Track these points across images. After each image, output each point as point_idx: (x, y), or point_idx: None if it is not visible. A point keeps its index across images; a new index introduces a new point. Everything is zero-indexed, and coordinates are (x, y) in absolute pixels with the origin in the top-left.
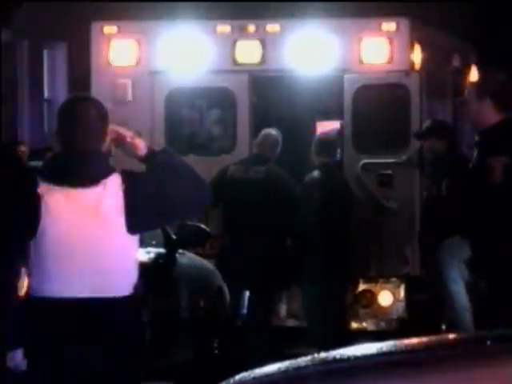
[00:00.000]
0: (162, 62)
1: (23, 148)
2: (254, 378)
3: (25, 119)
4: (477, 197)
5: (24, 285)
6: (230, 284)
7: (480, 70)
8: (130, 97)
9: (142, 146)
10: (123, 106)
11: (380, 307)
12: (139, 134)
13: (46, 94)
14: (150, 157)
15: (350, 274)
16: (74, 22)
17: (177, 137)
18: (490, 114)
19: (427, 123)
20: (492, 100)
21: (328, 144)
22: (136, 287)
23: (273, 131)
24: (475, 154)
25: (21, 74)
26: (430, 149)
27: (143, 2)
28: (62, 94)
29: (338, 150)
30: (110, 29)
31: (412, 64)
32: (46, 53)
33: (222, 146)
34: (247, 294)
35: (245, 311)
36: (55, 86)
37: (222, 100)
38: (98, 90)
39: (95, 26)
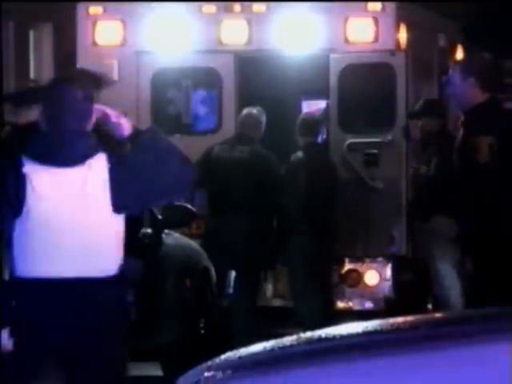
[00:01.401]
0: (147, 42)
1: (8, 128)
2: (239, 358)
3: None
4: (463, 176)
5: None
6: (216, 264)
7: (466, 49)
8: (115, 77)
9: (127, 126)
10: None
11: (366, 286)
12: (125, 114)
13: (31, 75)
14: (136, 137)
15: (335, 254)
16: (60, 2)
17: (163, 117)
18: (474, 94)
19: (420, 102)
20: (476, 79)
21: (311, 124)
22: (122, 267)
23: (254, 110)
24: (461, 133)
25: (7, 55)
26: (423, 128)
27: None
28: (48, 75)
29: (323, 130)
30: (95, 9)
31: (398, 43)
32: (31, 33)
33: (207, 126)
34: (233, 273)
35: (231, 291)
36: (41, 67)
37: (207, 80)
38: None
39: (81, 7)
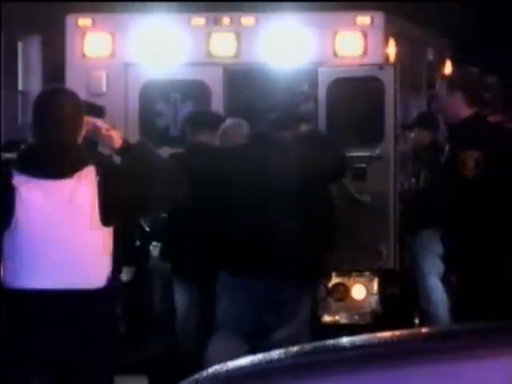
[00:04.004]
0: (136, 54)
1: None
2: (226, 371)
3: None
4: (449, 190)
5: None
6: None
7: (455, 64)
8: (104, 89)
9: (117, 138)
10: (98, 97)
11: (353, 300)
12: (113, 126)
13: (20, 87)
14: (126, 149)
15: (322, 267)
16: (49, 14)
17: (151, 129)
18: (460, 108)
19: (414, 114)
20: (463, 94)
21: None
22: (110, 280)
23: (236, 120)
24: (447, 148)
25: None
26: (415, 139)
27: None
28: (36, 87)
29: None
30: (84, 21)
31: (386, 57)
32: (20, 45)
33: None
34: None
35: None
36: (30, 79)
37: (196, 93)
38: (73, 82)
39: (70, 19)
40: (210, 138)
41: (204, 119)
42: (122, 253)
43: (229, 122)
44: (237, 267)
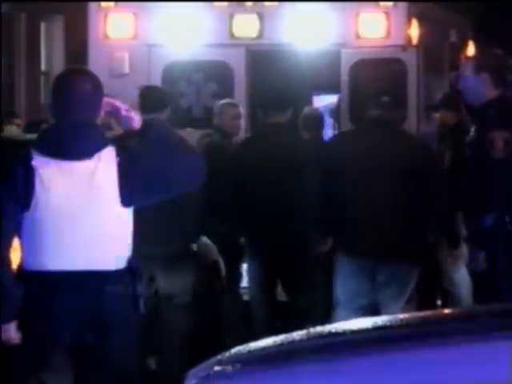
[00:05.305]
0: (159, 35)
1: (18, 121)
2: (249, 352)
3: (22, 92)
4: (477, 171)
5: (17, 257)
6: (227, 258)
7: (477, 45)
8: (127, 70)
9: (137, 119)
10: (120, 78)
11: None
12: (135, 107)
13: (43, 67)
14: (146, 130)
15: None
16: None
17: (174, 110)
18: (487, 90)
19: (438, 96)
20: (490, 75)
21: (312, 119)
22: (131, 260)
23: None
24: (473, 128)
25: (18, 47)
26: (440, 120)
27: None
28: (59, 67)
29: (327, 125)
30: (107, 2)
31: (409, 39)
32: (43, 26)
33: None
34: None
35: (246, 285)
36: (52, 59)
37: (218, 74)
38: (96, 63)
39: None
40: (282, 119)
41: (278, 99)
42: (192, 229)
43: (222, 102)
44: (348, 247)
